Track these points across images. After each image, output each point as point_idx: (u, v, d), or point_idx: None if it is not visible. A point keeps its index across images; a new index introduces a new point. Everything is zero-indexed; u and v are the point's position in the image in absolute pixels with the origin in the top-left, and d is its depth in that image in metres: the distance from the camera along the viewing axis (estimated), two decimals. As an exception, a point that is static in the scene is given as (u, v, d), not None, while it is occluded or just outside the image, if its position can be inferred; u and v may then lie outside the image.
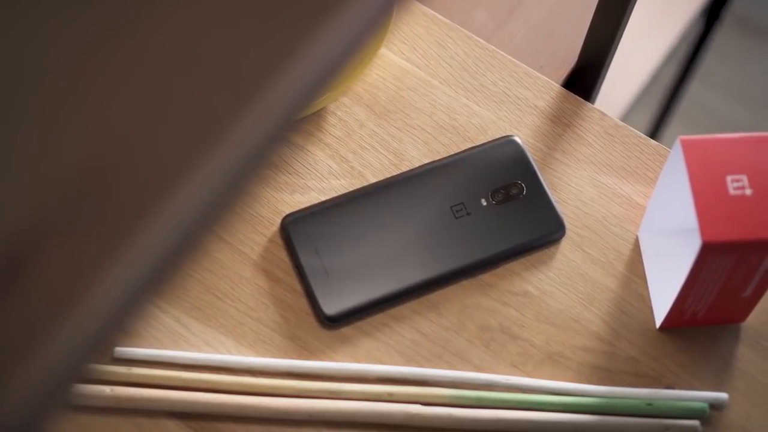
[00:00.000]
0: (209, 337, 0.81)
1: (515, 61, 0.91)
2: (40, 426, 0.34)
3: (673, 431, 0.79)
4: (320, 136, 0.88)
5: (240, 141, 0.36)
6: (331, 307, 0.81)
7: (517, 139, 0.87)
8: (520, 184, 0.86)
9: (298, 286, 0.83)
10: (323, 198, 0.85)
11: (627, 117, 1.28)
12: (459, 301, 0.83)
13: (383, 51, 0.91)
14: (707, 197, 0.74)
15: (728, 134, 0.76)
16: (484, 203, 0.85)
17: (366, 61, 0.85)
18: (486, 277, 0.83)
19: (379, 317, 0.82)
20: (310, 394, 0.79)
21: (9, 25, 0.36)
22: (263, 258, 0.83)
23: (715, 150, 0.76)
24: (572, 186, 0.87)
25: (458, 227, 0.84)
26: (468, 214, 0.85)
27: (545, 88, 0.90)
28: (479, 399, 0.79)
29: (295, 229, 0.83)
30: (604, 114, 0.89)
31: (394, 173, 0.86)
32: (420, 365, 0.81)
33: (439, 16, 0.92)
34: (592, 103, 0.96)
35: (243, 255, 0.83)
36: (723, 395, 0.80)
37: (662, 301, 0.82)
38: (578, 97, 0.90)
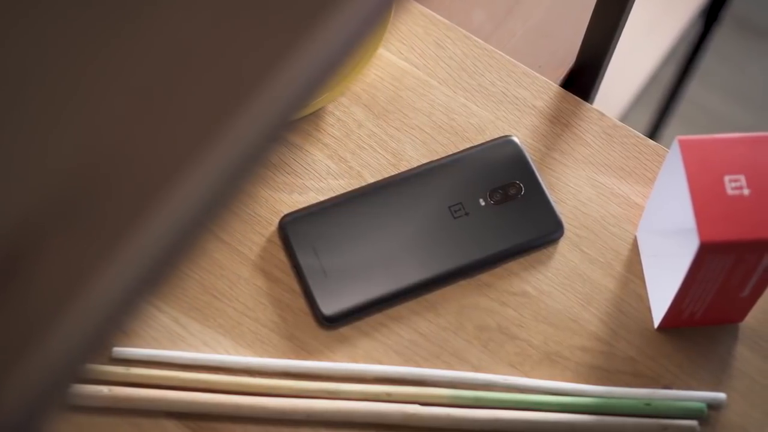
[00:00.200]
0: (207, 337, 0.81)
1: (514, 61, 0.91)
2: (38, 426, 0.34)
3: (671, 431, 0.79)
4: (318, 136, 0.87)
5: (238, 140, 0.36)
6: (329, 307, 0.81)
7: (515, 139, 0.87)
8: (519, 184, 0.86)
9: (296, 286, 0.83)
10: (321, 198, 0.85)
11: (626, 117, 1.28)
12: (457, 301, 0.83)
13: (381, 51, 0.91)
14: (705, 197, 0.74)
15: (726, 134, 0.76)
16: (483, 203, 0.85)
17: (364, 61, 0.85)
18: (484, 277, 0.83)
19: (377, 317, 0.82)
20: (309, 394, 0.79)
21: (9, 25, 0.36)
22: (261, 258, 0.83)
23: (713, 150, 0.76)
24: (570, 186, 0.87)
25: (456, 227, 0.84)
26: (466, 214, 0.85)
27: (544, 88, 0.90)
28: (477, 399, 0.79)
29: (293, 229, 0.83)
30: (602, 114, 0.89)
31: (393, 173, 0.86)
32: (418, 365, 0.81)
33: (438, 16, 0.92)
34: (591, 103, 0.96)
35: (241, 255, 0.83)
36: (721, 395, 0.80)
37: (660, 301, 0.82)
38: (577, 97, 0.90)
